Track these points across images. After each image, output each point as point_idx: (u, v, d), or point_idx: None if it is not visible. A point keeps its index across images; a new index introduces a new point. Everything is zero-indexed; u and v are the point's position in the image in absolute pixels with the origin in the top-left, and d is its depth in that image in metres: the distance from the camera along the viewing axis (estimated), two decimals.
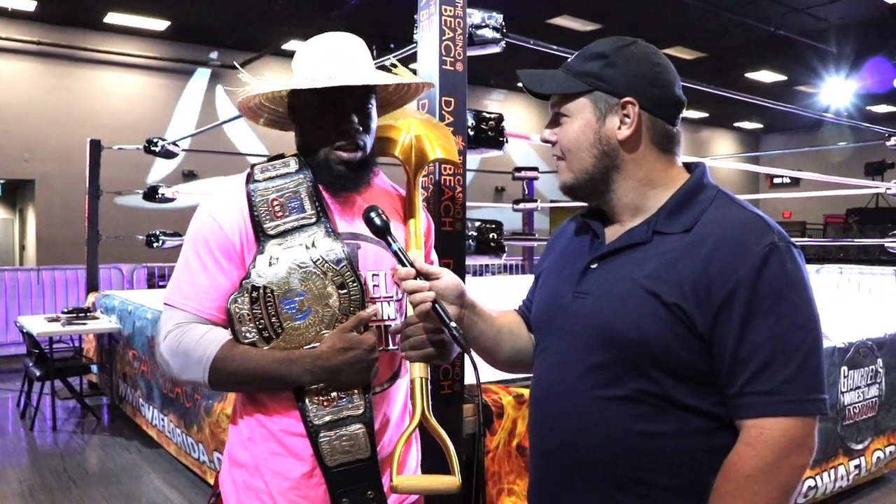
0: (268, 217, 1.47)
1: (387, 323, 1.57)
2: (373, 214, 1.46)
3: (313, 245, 1.46)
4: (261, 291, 1.43)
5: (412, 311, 1.48)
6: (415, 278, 1.41)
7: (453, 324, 1.37)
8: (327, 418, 1.45)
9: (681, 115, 1.34)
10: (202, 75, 12.89)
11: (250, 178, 1.52)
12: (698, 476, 1.19)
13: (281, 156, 1.58)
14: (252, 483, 1.51)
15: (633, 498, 1.23)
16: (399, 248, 1.44)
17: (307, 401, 1.45)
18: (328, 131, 1.50)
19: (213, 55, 12.66)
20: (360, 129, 1.51)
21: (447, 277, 1.45)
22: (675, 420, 1.20)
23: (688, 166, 1.35)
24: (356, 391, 1.46)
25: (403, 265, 1.43)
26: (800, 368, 1.14)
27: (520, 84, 1.47)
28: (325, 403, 1.45)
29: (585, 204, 1.44)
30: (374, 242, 1.56)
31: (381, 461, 1.50)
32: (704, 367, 1.19)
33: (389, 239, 1.45)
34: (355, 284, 1.47)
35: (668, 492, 1.21)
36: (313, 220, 1.49)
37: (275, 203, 1.49)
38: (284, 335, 1.44)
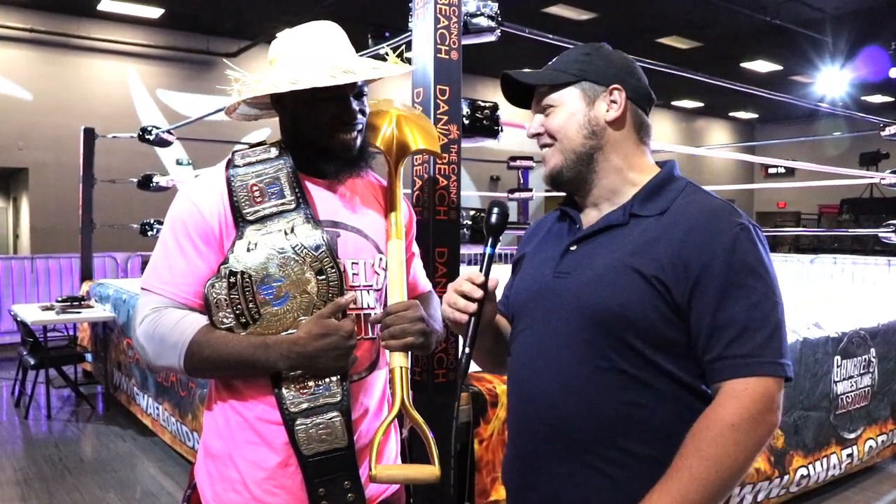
0: (247, 202, 1.47)
1: (366, 311, 1.57)
2: (495, 210, 1.43)
3: (292, 231, 1.46)
4: (238, 277, 1.42)
5: (393, 299, 1.49)
6: (480, 286, 1.38)
7: (468, 349, 1.37)
8: (304, 406, 1.43)
9: (650, 110, 1.46)
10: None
11: (230, 164, 1.52)
12: (675, 446, 1.24)
13: (262, 143, 1.57)
14: (226, 473, 1.49)
15: (614, 466, 1.29)
16: (491, 256, 1.40)
17: (283, 388, 1.43)
18: (329, 120, 1.50)
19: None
20: (360, 114, 1.54)
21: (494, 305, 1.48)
22: (657, 390, 1.28)
23: (657, 163, 1.45)
24: (333, 379, 1.45)
25: (487, 272, 1.39)
26: (771, 335, 1.24)
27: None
28: (302, 391, 1.44)
29: None
30: (353, 231, 1.56)
31: (358, 451, 1.49)
32: (681, 340, 1.27)
33: (493, 240, 1.42)
34: (334, 271, 1.46)
35: (647, 460, 1.27)
36: (293, 206, 1.48)
37: (254, 188, 1.48)
38: (262, 321, 1.43)
